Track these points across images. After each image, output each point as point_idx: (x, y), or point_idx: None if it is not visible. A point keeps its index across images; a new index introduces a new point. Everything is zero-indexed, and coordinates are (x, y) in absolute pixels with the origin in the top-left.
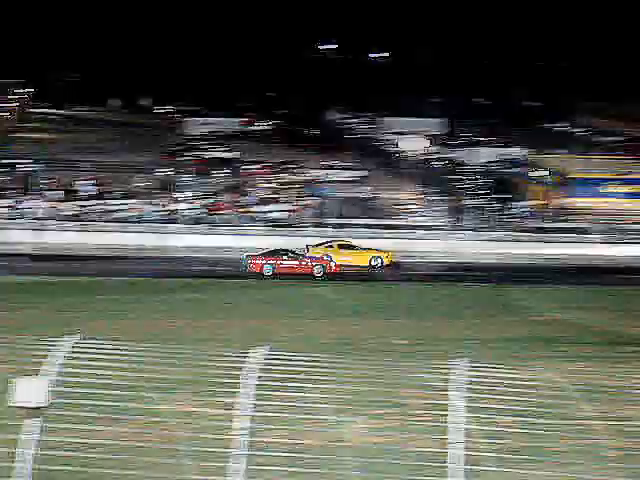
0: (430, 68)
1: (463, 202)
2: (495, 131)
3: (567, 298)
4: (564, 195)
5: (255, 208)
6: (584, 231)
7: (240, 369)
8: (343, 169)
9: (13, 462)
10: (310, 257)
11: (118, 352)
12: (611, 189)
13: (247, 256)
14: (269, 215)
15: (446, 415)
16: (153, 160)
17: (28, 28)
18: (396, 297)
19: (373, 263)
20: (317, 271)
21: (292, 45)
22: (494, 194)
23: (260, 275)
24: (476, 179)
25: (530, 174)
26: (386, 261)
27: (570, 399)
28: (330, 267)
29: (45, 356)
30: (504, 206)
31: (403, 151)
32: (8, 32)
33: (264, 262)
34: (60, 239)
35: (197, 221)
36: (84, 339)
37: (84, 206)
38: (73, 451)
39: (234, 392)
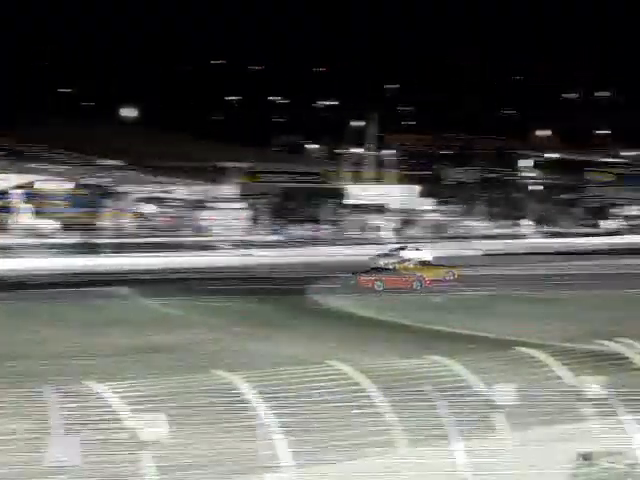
0: None
1: None
2: None
3: None
4: None
5: None
6: None
7: None
8: None
9: None
10: (411, 274)
11: None
12: None
13: (354, 274)
14: None
15: None
16: None
17: None
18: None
19: (447, 277)
20: (416, 285)
21: None
22: None
23: (373, 290)
24: None
25: None
26: (457, 275)
27: None
28: (425, 282)
29: None
30: None
31: None
32: None
33: (375, 279)
34: None
35: None
36: None
37: None
38: None
39: None
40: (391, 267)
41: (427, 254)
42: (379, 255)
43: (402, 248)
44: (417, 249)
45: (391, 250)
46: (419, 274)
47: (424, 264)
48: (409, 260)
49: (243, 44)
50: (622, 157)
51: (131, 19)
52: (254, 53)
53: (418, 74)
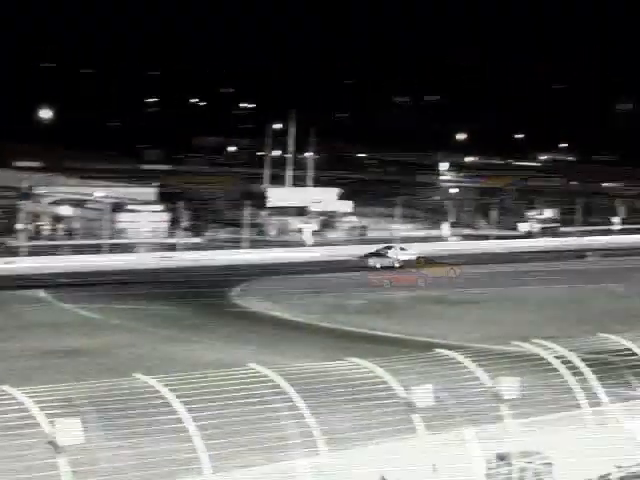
0: None
1: None
2: None
3: None
4: None
5: None
6: None
7: None
8: None
9: None
10: (415, 271)
11: None
12: None
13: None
14: None
15: None
16: None
17: None
18: None
19: (450, 274)
20: (420, 282)
21: None
22: None
23: (381, 287)
24: None
25: None
26: (458, 272)
27: None
28: (428, 279)
29: None
30: None
31: None
32: None
33: (383, 277)
34: None
35: None
36: None
37: None
38: None
39: None
40: (397, 265)
41: (411, 253)
42: (367, 255)
43: (389, 248)
44: (402, 248)
45: (378, 250)
46: (424, 272)
47: (428, 261)
48: (396, 259)
49: (243, 44)
50: (539, 161)
51: (131, 19)
52: (254, 53)
53: (418, 74)
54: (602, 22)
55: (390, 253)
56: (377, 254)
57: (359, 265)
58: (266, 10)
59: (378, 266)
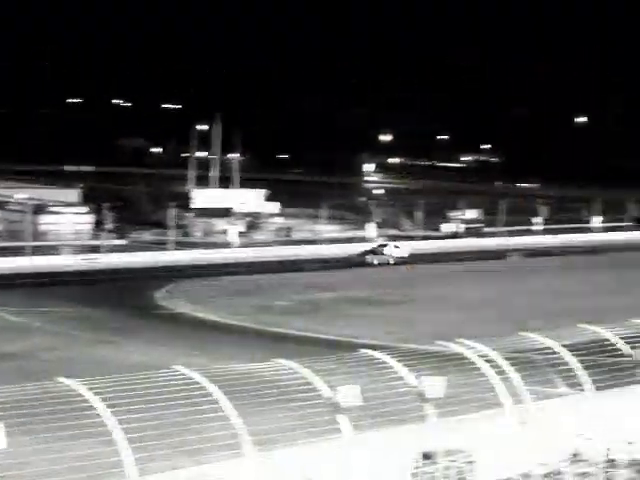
0: None
1: None
2: None
3: None
4: None
5: None
6: None
7: None
8: None
9: None
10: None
11: None
12: None
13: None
14: None
15: None
16: None
17: None
18: None
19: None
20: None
21: None
22: None
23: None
24: None
25: None
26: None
27: None
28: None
29: None
30: None
31: None
32: None
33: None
34: None
35: None
36: None
37: None
38: None
39: None
40: (392, 261)
41: (405, 250)
42: (365, 252)
43: (384, 245)
44: (396, 246)
45: (374, 247)
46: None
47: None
48: (391, 256)
49: (243, 44)
50: (461, 162)
51: (131, 19)
52: (254, 53)
53: (418, 74)
54: (602, 22)
55: (385, 250)
56: (374, 252)
57: (357, 262)
58: (266, 10)
59: (375, 262)
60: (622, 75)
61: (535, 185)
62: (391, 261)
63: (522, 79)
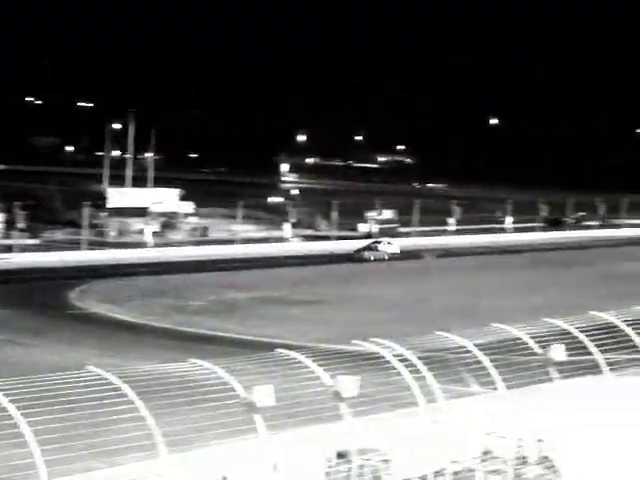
0: None
1: None
2: None
3: None
4: None
5: None
6: None
7: None
8: None
9: None
10: None
11: None
12: None
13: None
14: None
15: None
16: None
17: None
18: None
19: None
20: None
21: None
22: None
23: None
24: None
25: None
26: None
27: None
28: None
29: None
30: None
31: None
32: None
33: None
34: None
35: None
36: None
37: None
38: None
39: None
40: (387, 257)
41: (396, 247)
42: (361, 249)
43: (378, 242)
44: (389, 243)
45: (369, 244)
46: None
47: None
48: (385, 252)
49: (243, 44)
50: (378, 162)
51: (131, 19)
52: (254, 53)
53: (418, 74)
54: (602, 22)
55: (380, 247)
56: (369, 248)
57: (354, 258)
58: (266, 10)
59: (372, 258)
60: (622, 75)
61: (442, 185)
62: (385, 257)
63: (522, 79)
